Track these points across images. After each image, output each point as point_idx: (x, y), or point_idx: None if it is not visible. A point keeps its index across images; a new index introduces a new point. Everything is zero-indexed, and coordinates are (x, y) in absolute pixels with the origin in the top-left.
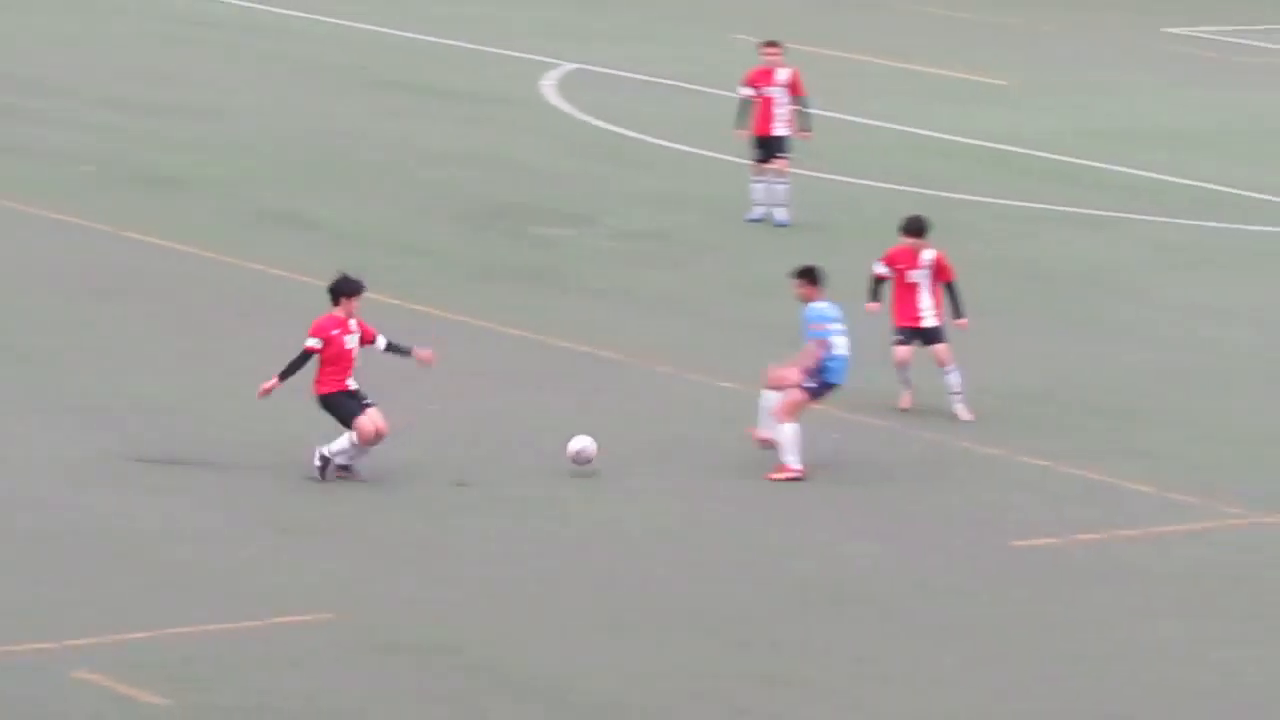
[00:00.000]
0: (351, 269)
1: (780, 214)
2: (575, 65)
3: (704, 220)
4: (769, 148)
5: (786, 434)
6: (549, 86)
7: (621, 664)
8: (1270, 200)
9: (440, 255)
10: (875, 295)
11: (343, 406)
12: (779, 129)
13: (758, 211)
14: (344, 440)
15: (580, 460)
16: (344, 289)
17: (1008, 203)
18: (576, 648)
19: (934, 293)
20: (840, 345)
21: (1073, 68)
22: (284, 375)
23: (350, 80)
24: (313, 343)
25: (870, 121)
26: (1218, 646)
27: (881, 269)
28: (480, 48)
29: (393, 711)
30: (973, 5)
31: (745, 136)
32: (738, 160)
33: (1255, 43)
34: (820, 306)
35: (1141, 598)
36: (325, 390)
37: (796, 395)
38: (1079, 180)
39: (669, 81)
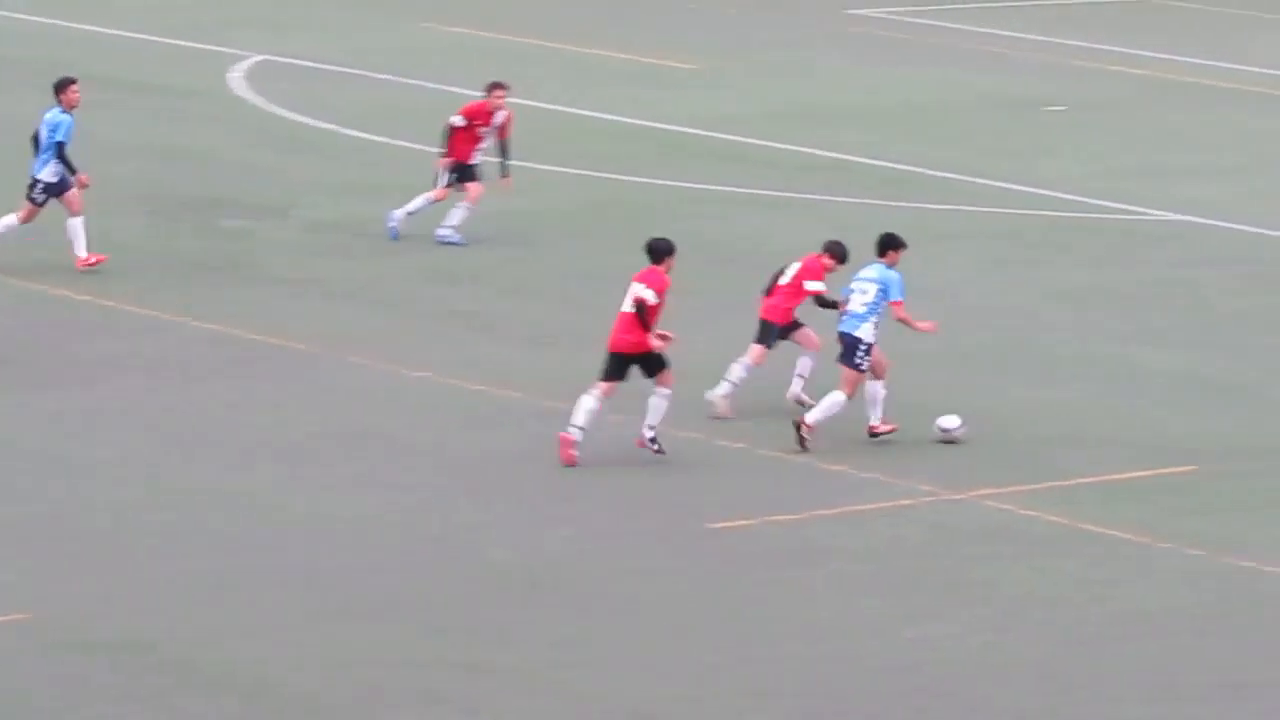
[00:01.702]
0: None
1: (451, 233)
2: (262, 56)
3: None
4: (465, 174)
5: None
6: (236, 78)
7: (318, 654)
8: (955, 179)
9: (130, 250)
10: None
11: None
12: (476, 159)
13: (453, 235)
14: None
15: None
16: None
17: (696, 186)
18: (273, 640)
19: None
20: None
21: (759, 50)
22: None
23: (34, 74)
24: None
25: (556, 107)
26: (913, 621)
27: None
28: (166, 40)
29: (88, 711)
30: None
31: (446, 164)
32: (429, 149)
33: (936, 22)
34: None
35: (838, 576)
36: None
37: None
38: (766, 161)
39: (357, 71)
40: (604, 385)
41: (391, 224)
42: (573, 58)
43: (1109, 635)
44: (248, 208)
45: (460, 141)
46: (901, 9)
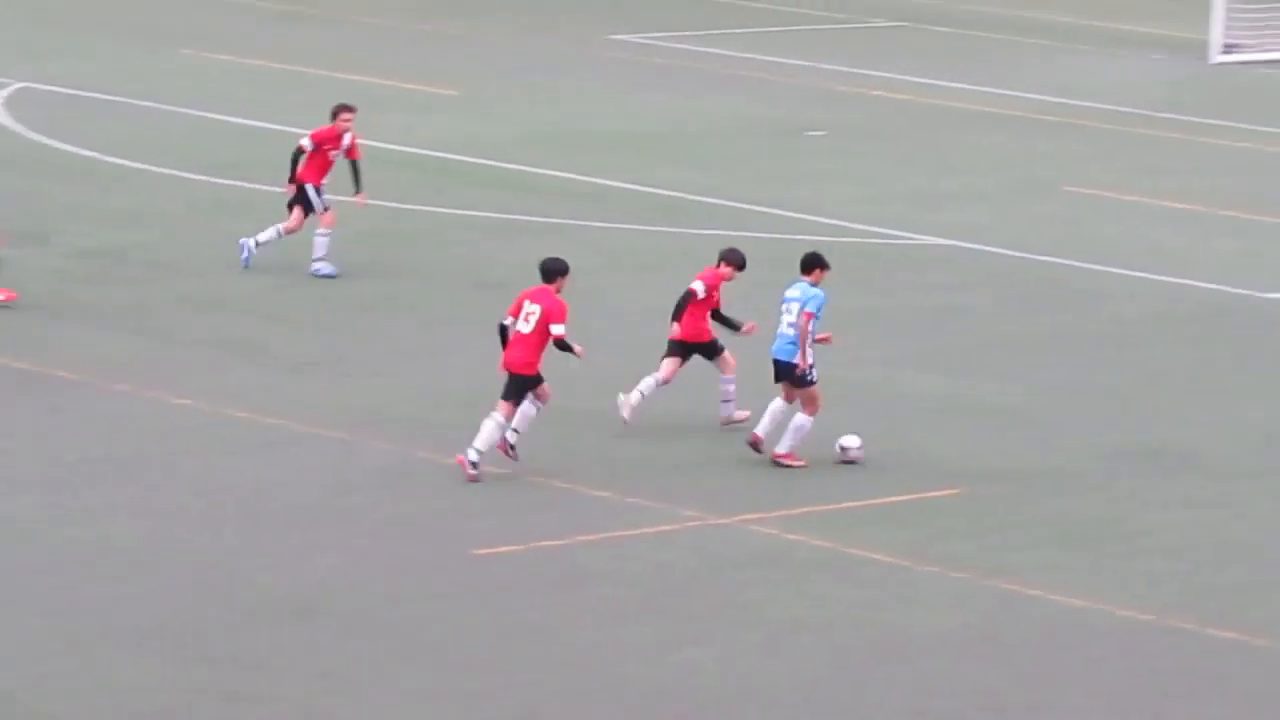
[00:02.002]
0: None
1: (324, 265)
2: (22, 84)
3: (160, 237)
4: (303, 197)
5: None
6: None
7: (80, 683)
8: (719, 204)
9: None
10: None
11: None
12: (324, 183)
13: (327, 267)
14: None
15: None
16: None
17: (459, 211)
18: (32, 669)
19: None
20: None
21: (520, 75)
22: None
23: None
24: None
25: None
26: (679, 646)
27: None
28: None
29: None
30: (419, 16)
31: (294, 190)
32: (192, 177)
33: (698, 48)
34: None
35: (605, 601)
36: None
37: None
38: (531, 187)
39: (118, 98)
40: (505, 406)
41: (244, 254)
42: (333, 84)
43: (875, 659)
44: (11, 236)
45: (311, 166)
46: (663, 34)
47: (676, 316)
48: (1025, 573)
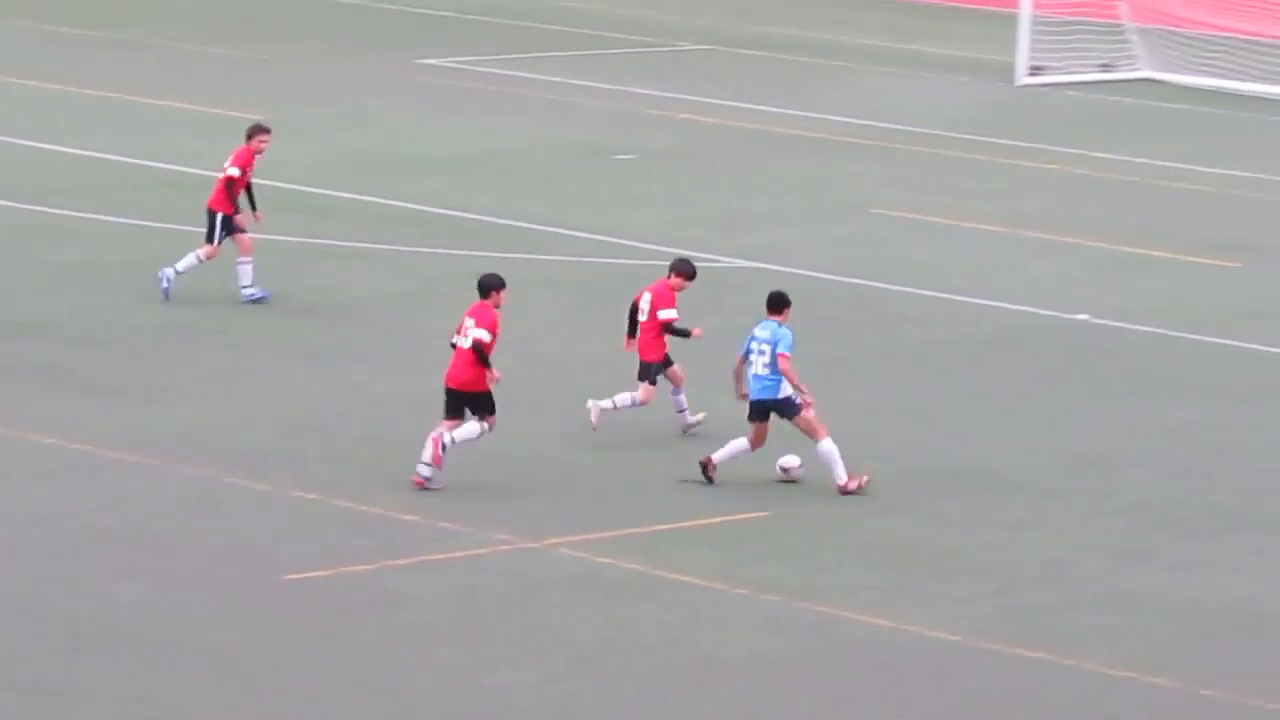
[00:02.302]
0: None
1: (255, 290)
2: None
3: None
4: (232, 226)
5: (827, 449)
6: None
7: None
8: (529, 227)
9: None
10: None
11: None
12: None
13: (257, 292)
14: None
15: None
16: None
17: (270, 237)
18: None
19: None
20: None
21: (330, 100)
22: None
23: None
24: None
25: (125, 159)
26: (490, 671)
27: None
28: None
29: None
30: (228, 41)
31: (261, 218)
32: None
33: (508, 72)
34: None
35: (416, 626)
36: None
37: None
38: (339, 211)
39: None
40: (447, 423)
41: (164, 284)
42: (141, 109)
43: (686, 682)
44: None
45: (227, 193)
46: (471, 59)
47: (631, 333)
48: (835, 594)
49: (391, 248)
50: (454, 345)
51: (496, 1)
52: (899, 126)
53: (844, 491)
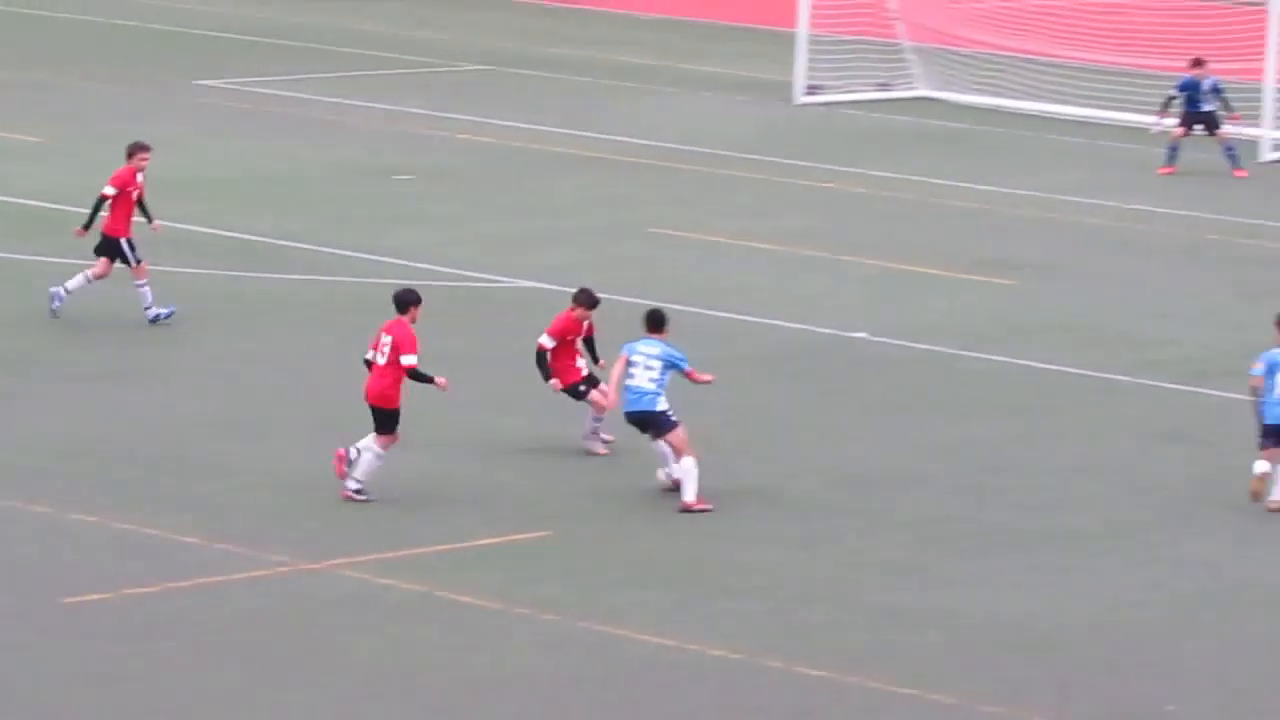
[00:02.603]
0: None
1: (160, 309)
2: None
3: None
4: (115, 249)
5: (689, 468)
6: None
7: None
8: (306, 249)
9: None
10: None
11: None
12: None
13: (161, 311)
14: None
15: None
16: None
17: (44, 259)
18: None
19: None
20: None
21: (105, 122)
22: None
23: None
24: None
25: None
26: (271, 693)
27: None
28: None
29: None
30: (2, 64)
31: (83, 234)
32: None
33: (285, 93)
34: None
35: (196, 648)
36: None
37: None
38: None
39: None
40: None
41: (55, 302)
42: None
43: (466, 703)
44: None
45: (117, 215)
46: (250, 80)
47: (546, 376)
48: (617, 613)
49: (168, 269)
50: (368, 362)
51: (275, 23)
52: (677, 146)
53: (685, 509)
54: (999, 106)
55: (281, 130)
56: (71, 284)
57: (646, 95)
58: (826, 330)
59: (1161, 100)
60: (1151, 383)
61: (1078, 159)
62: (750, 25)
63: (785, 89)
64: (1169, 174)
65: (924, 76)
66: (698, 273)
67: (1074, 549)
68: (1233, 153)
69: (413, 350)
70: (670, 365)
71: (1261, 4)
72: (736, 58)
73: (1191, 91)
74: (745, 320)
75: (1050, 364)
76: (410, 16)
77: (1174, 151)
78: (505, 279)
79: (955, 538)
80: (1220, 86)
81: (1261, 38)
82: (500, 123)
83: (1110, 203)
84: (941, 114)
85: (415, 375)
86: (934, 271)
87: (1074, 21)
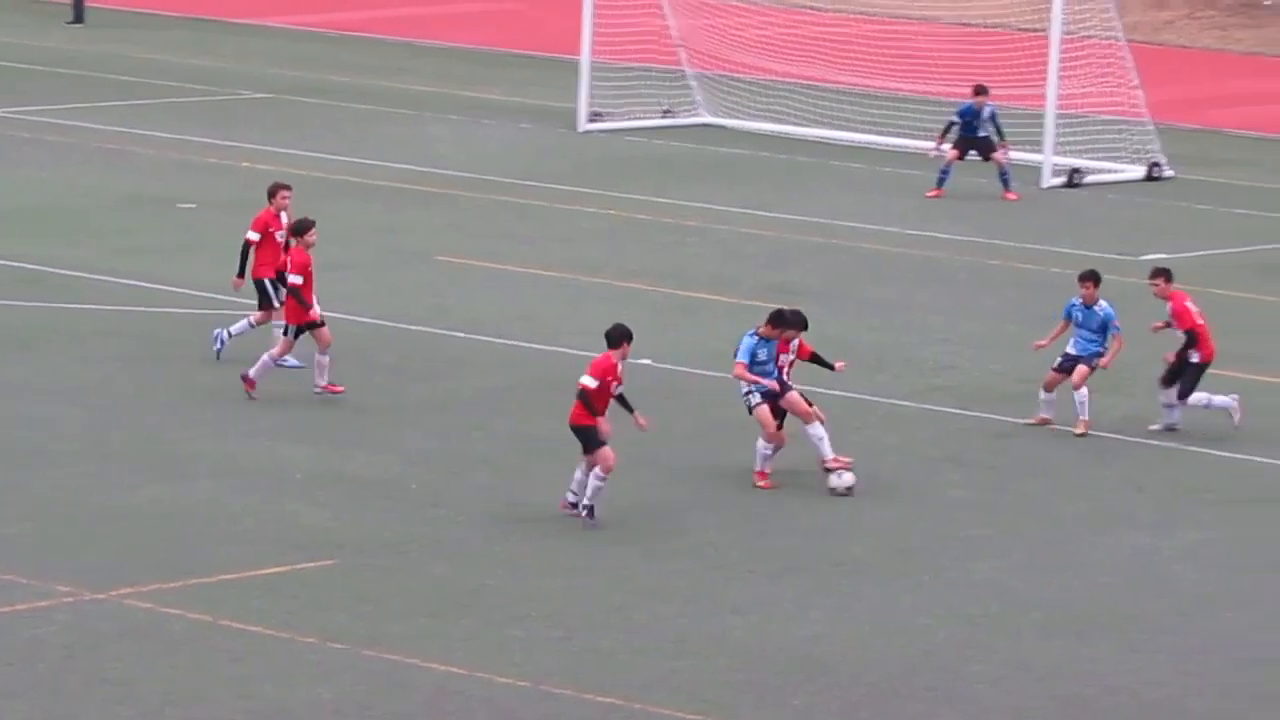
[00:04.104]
0: None
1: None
2: None
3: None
4: (270, 294)
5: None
6: None
7: None
8: (89, 278)
9: None
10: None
11: None
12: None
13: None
14: None
15: None
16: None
17: None
18: None
19: None
20: None
21: None
22: None
23: None
24: None
25: None
26: None
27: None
28: None
29: None
30: None
31: (241, 283)
32: None
33: (69, 122)
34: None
35: None
36: None
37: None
38: None
39: None
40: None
41: (218, 345)
42: None
43: None
44: None
45: (261, 257)
46: (31, 108)
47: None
48: (404, 642)
49: None
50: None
51: (55, 51)
52: (460, 173)
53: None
54: (781, 133)
55: (64, 159)
56: (235, 328)
57: (429, 122)
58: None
59: (942, 125)
60: (933, 407)
61: (859, 184)
62: (533, 53)
63: (568, 116)
64: (936, 196)
65: (706, 103)
66: (484, 300)
67: (860, 574)
68: (1006, 176)
69: (303, 270)
70: None
71: (1042, 30)
72: (520, 85)
73: (970, 118)
74: (528, 347)
75: (834, 390)
76: (192, 44)
77: (945, 175)
78: None
79: (740, 563)
80: (997, 114)
81: (1042, 64)
82: (282, 150)
83: (891, 228)
84: (724, 140)
85: (294, 295)
86: (718, 298)
87: (855, 48)
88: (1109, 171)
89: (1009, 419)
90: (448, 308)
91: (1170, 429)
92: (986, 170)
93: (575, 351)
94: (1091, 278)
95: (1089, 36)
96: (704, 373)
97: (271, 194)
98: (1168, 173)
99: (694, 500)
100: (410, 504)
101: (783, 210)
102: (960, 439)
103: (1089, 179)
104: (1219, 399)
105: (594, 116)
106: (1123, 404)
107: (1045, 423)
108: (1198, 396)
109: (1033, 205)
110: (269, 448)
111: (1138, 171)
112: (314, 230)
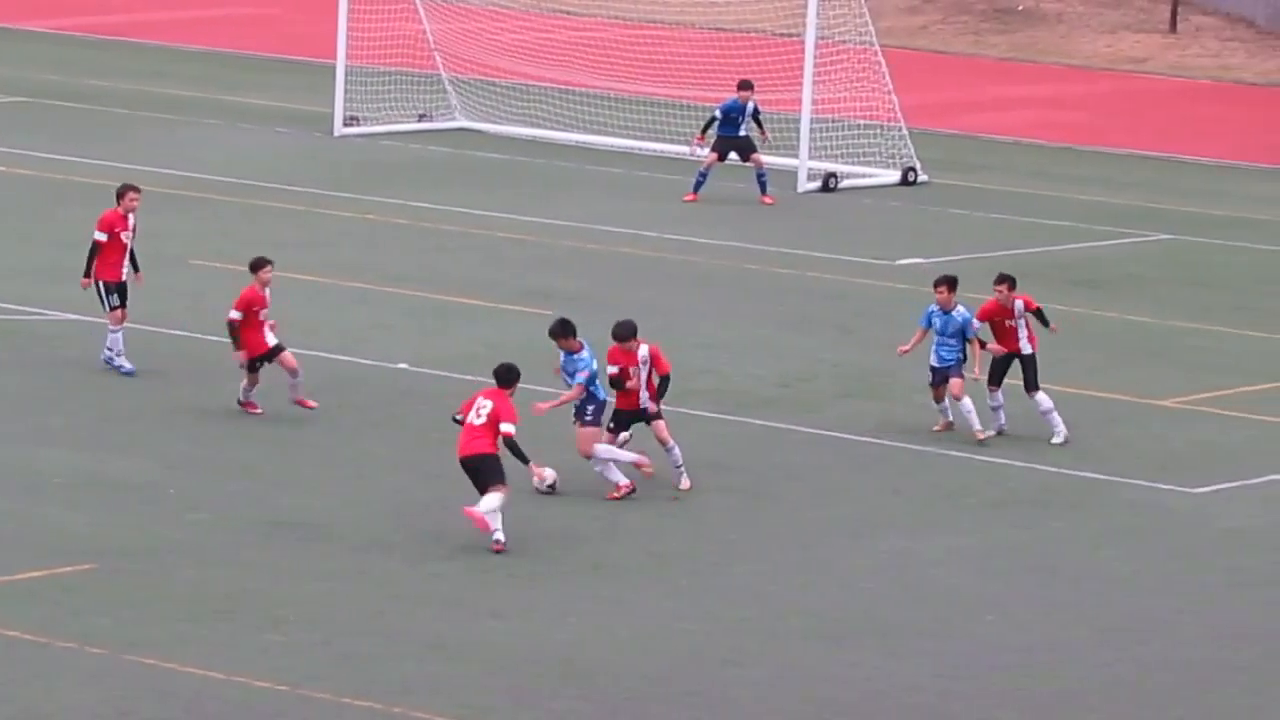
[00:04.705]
0: None
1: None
2: None
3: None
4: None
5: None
6: None
7: None
8: None
9: None
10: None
11: None
12: (124, 271)
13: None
14: None
15: None
16: None
17: None
18: None
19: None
20: None
21: None
22: None
23: None
24: None
25: None
26: None
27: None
28: None
29: None
30: None
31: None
32: None
33: None
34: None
35: None
36: None
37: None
38: None
39: None
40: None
41: (117, 366)
42: None
43: None
44: None
45: (104, 259)
46: None
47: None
48: (163, 646)
49: None
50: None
51: None
52: (217, 178)
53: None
54: (539, 137)
55: None
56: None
57: (185, 126)
58: (369, 361)
59: (704, 120)
60: (692, 412)
61: (617, 189)
62: (290, 57)
63: (325, 120)
64: (692, 201)
65: (463, 108)
66: None
67: (620, 578)
68: (763, 179)
69: (242, 307)
70: None
71: (797, 35)
72: (277, 89)
73: (734, 114)
74: (292, 351)
75: None
76: None
77: (702, 179)
78: (48, 311)
79: (502, 568)
80: (760, 111)
81: (798, 69)
82: (38, 154)
83: (649, 233)
84: (481, 145)
85: (230, 327)
86: (476, 302)
87: (612, 52)
88: (864, 176)
89: (768, 423)
90: (208, 312)
91: (1000, 433)
92: (743, 174)
93: (334, 356)
94: (946, 282)
95: (844, 42)
96: (462, 377)
97: (120, 195)
98: (922, 177)
99: (453, 505)
100: (169, 509)
101: (542, 215)
102: (719, 443)
103: (844, 183)
104: (1060, 420)
105: (350, 121)
106: (879, 409)
107: (948, 427)
108: (1046, 400)
109: (789, 209)
110: (27, 452)
111: (893, 176)
112: (269, 267)
